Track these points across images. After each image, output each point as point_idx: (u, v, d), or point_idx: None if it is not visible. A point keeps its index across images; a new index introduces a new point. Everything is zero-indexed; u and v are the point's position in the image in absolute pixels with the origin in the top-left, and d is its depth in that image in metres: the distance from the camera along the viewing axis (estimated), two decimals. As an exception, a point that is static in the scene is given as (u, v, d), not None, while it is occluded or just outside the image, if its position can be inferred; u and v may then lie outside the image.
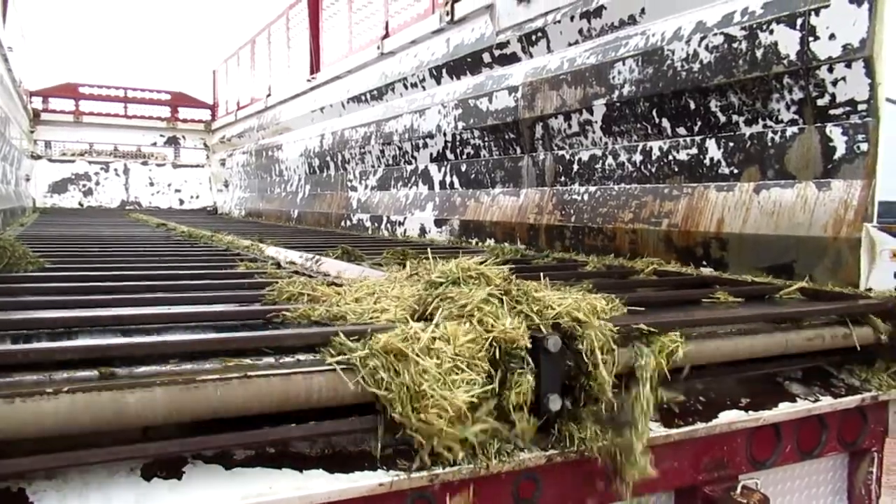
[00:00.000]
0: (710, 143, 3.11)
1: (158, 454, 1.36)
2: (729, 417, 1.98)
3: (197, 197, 13.59)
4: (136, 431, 1.34)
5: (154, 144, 13.46)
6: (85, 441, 1.31)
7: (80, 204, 12.59)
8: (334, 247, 3.76)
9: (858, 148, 2.52)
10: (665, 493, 2.02)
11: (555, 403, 1.59)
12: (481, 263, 1.80)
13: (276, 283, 2.23)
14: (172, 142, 13.59)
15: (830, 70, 2.57)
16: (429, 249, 2.75)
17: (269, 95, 9.93)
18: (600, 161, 3.74)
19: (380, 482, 1.49)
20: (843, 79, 2.53)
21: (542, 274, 2.12)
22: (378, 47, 6.32)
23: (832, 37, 2.54)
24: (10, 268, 2.75)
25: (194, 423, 1.36)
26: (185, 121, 13.61)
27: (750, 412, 2.02)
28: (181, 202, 13.45)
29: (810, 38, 2.61)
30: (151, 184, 13.32)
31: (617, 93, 3.52)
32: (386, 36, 6.25)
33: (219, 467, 1.41)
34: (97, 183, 12.85)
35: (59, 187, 12.58)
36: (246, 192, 11.35)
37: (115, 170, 13.05)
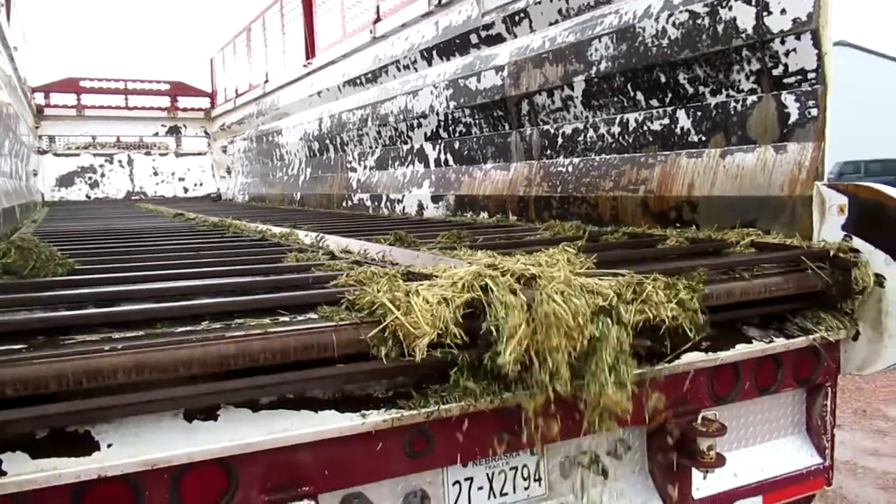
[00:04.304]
0: (681, 114, 3.35)
1: (197, 401, 1.63)
2: (690, 358, 2.24)
3: (201, 184, 13.81)
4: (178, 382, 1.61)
5: (156, 134, 13.65)
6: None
7: (88, 196, 12.82)
8: (378, 231, 3.55)
9: (809, 113, 2.76)
10: (637, 425, 2.29)
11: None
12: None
13: (340, 275, 2.11)
14: (174, 131, 13.78)
15: (783, 42, 2.79)
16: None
17: (266, 82, 10.12)
18: (582, 134, 3.98)
19: (382, 419, 1.76)
20: (794, 50, 2.76)
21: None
22: (371, 31, 6.52)
23: (783, 11, 2.77)
24: (36, 272, 2.37)
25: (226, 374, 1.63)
26: (185, 110, 13.78)
27: (709, 353, 2.28)
28: (185, 190, 13.68)
29: (764, 13, 2.83)
30: (155, 173, 13.53)
31: (595, 69, 3.74)
32: (378, 20, 6.44)
33: (247, 411, 1.69)
34: (103, 175, 13.07)
35: (65, 181, 12.81)
36: (248, 177, 11.59)
37: (120, 161, 13.27)
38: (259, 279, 2.35)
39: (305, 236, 3.70)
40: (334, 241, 3.32)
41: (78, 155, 13.02)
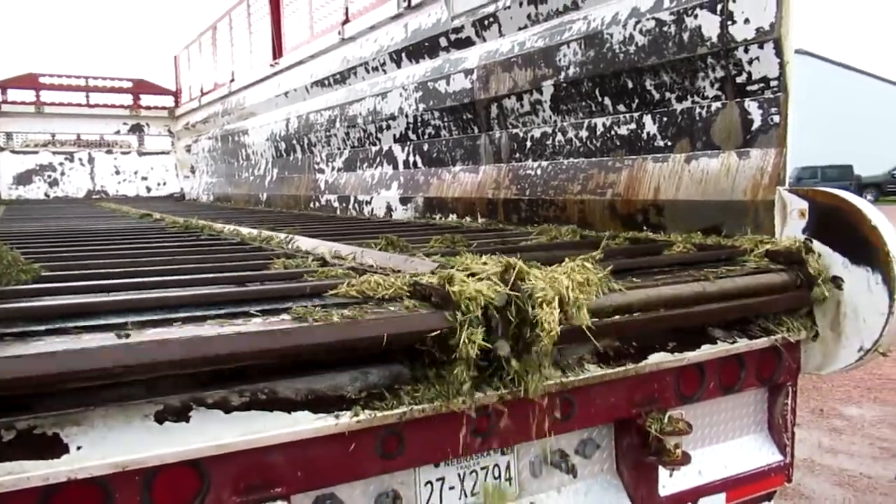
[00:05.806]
0: (647, 119, 3.41)
1: (167, 402, 1.62)
2: (657, 359, 2.29)
3: (164, 184, 13.59)
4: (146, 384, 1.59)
5: (118, 133, 13.40)
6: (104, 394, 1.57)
7: (47, 195, 12.52)
8: (361, 234, 3.43)
9: (772, 120, 2.84)
10: (605, 425, 2.33)
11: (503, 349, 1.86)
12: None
13: (340, 284, 2.01)
14: (136, 129, 13.54)
15: (746, 51, 2.87)
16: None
17: (232, 81, 10.01)
18: (551, 138, 4.03)
19: (355, 420, 1.76)
20: (757, 58, 2.84)
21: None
22: (339, 32, 6.50)
23: (747, 21, 2.84)
24: None
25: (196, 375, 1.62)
26: (148, 108, 13.55)
27: (675, 353, 2.33)
28: (148, 189, 13.44)
29: (729, 22, 2.90)
30: (117, 172, 13.26)
31: (563, 74, 3.79)
32: (346, 21, 6.43)
33: (219, 412, 1.68)
34: (62, 173, 12.78)
35: (23, 179, 12.50)
36: (213, 177, 11.45)
37: (80, 159, 12.99)
38: (250, 289, 2.13)
39: (287, 239, 3.48)
40: (322, 246, 3.13)
41: (37, 152, 12.71)
